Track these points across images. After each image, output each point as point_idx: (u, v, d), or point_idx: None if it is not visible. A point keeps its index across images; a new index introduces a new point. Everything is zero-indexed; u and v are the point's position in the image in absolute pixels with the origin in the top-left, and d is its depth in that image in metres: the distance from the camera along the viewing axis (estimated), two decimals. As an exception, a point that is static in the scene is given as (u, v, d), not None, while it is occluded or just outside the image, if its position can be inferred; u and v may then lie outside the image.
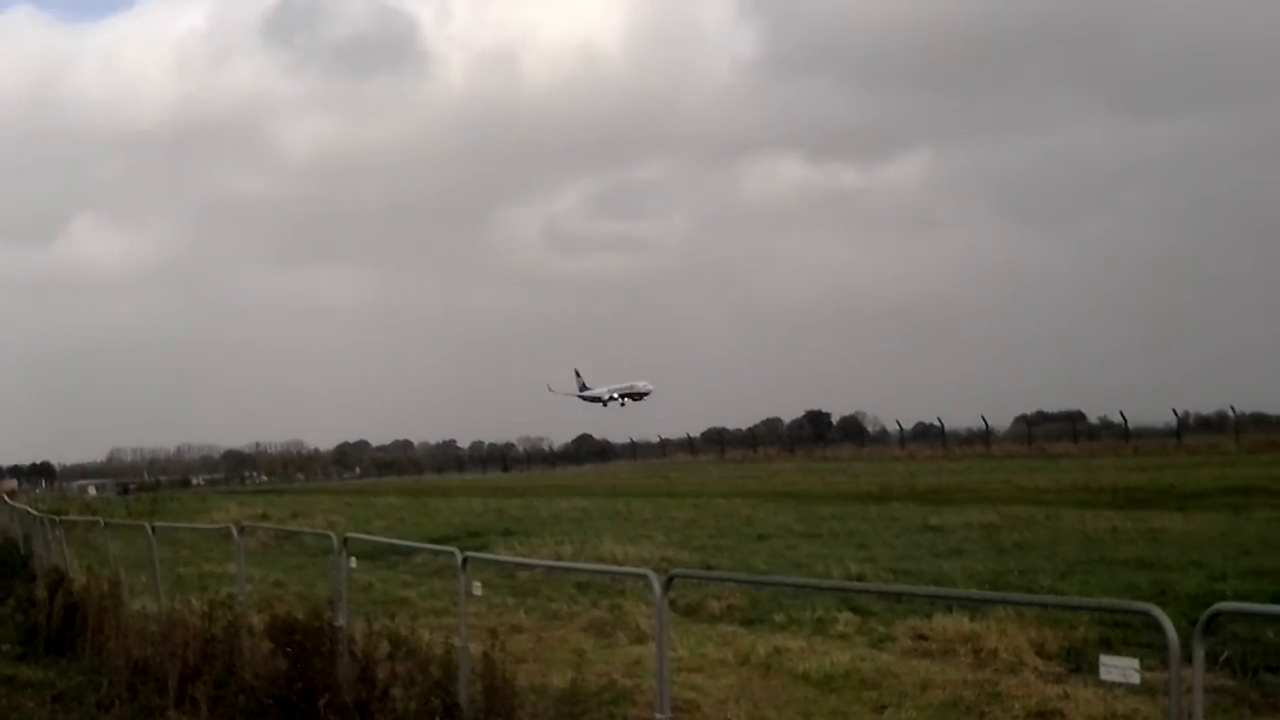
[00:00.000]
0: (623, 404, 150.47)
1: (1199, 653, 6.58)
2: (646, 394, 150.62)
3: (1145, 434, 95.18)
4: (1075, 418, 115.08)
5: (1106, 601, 15.84)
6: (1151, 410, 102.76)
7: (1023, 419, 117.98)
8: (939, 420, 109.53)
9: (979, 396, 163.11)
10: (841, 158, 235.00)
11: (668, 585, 9.94)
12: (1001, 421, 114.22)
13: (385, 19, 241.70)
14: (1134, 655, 9.36)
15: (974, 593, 17.37)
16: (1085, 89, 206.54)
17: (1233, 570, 19.68)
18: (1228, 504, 34.52)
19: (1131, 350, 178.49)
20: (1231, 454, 70.32)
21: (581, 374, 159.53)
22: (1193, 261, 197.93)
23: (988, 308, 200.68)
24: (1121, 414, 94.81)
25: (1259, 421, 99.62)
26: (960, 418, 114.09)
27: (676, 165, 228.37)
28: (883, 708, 12.64)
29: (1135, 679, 6.88)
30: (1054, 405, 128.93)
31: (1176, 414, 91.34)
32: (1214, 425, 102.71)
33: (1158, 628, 6.50)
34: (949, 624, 15.74)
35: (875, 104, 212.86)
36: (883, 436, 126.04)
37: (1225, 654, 13.38)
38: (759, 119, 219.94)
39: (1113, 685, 9.29)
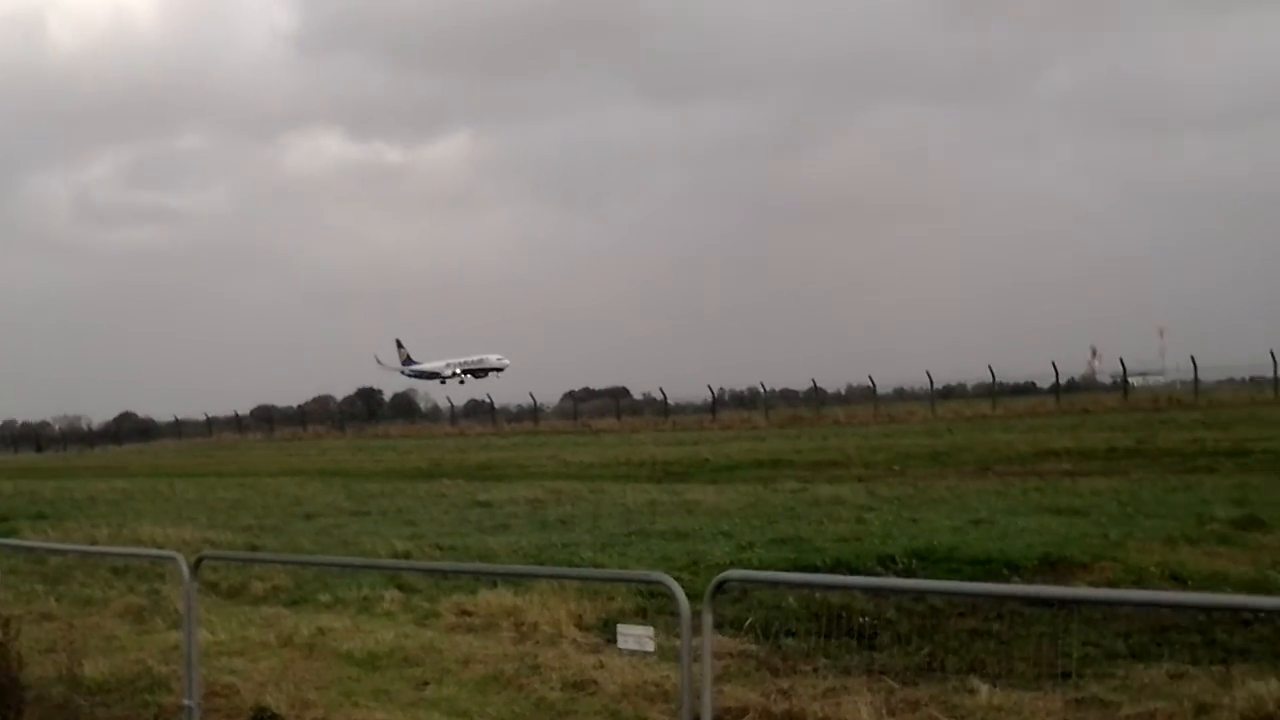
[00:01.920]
0: (462, 381, 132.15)
1: (708, 619, 6.97)
2: (501, 369, 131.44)
3: (684, 410, 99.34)
4: (619, 394, 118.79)
5: (624, 573, 16.50)
6: (690, 387, 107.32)
7: (570, 395, 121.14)
8: (489, 397, 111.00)
9: (529, 374, 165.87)
10: (384, 135, 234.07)
11: (196, 567, 9.69)
12: (550, 398, 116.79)
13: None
14: (669, 623, 9.83)
15: (487, 566, 17.96)
16: (616, 75, 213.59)
17: (759, 539, 20.79)
18: (757, 476, 36.49)
19: (670, 328, 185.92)
20: (762, 428, 74.21)
21: (405, 345, 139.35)
22: (723, 244, 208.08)
23: (532, 285, 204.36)
24: (661, 390, 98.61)
25: (787, 397, 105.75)
26: (510, 395, 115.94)
27: (217, 137, 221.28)
28: (425, 684, 12.74)
29: (650, 646, 7.23)
30: (600, 382, 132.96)
31: (712, 391, 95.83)
32: (746, 401, 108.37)
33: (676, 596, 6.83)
34: (493, 599, 15.98)
35: (414, 83, 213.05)
36: (435, 414, 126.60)
37: (750, 619, 14.15)
38: (300, 94, 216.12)
39: (644, 654, 9.68)
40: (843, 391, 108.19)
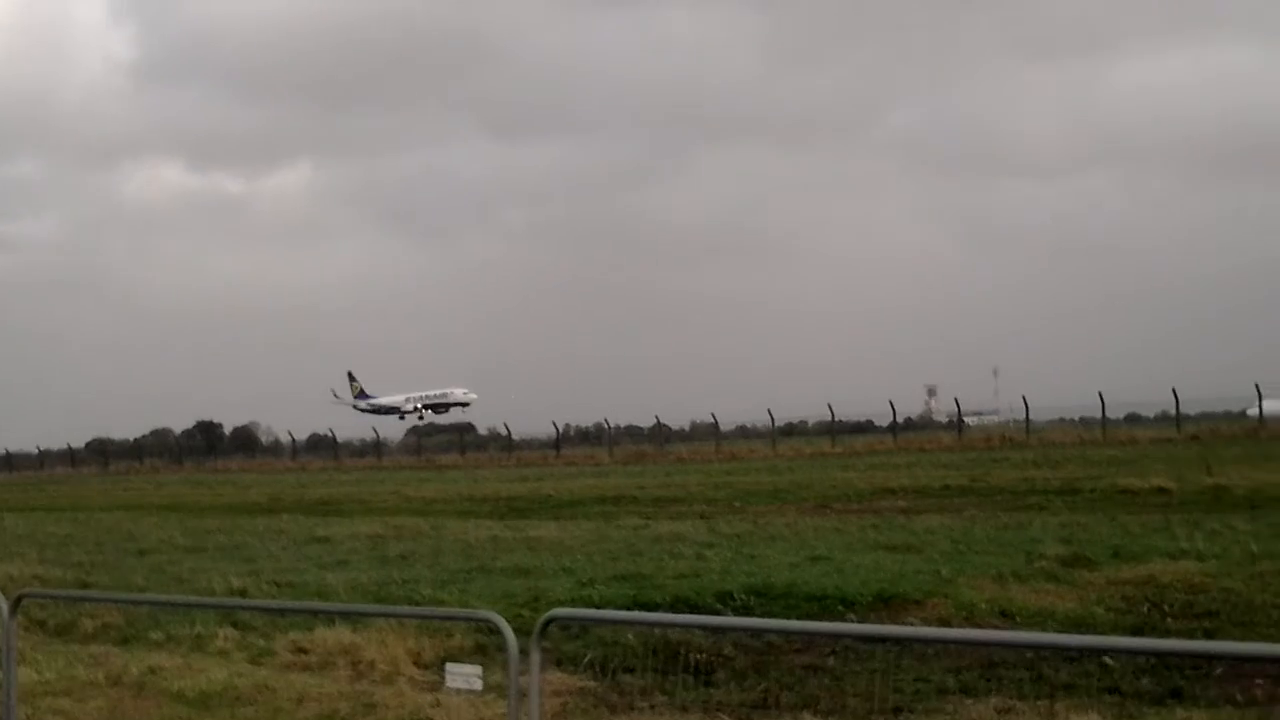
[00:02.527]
0: (421, 417, 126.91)
1: (535, 657, 7.01)
2: (467, 404, 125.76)
3: (529, 445, 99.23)
4: (464, 429, 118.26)
5: (454, 610, 16.41)
6: (535, 423, 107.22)
7: (414, 431, 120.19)
8: (330, 432, 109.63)
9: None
10: (224, 166, 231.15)
11: (16, 605, 9.46)
12: (393, 434, 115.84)
13: None
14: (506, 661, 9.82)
15: (314, 604, 17.81)
16: (460, 109, 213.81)
17: (601, 576, 20.83)
18: (600, 512, 36.54)
19: (516, 364, 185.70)
20: (606, 465, 74.41)
21: (357, 378, 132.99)
22: (568, 280, 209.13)
23: (375, 318, 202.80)
24: (506, 426, 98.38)
25: (631, 433, 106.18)
26: (354, 430, 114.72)
27: (52, 166, 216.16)
28: (258, 723, 12.56)
29: (478, 685, 7.25)
30: (445, 418, 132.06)
31: (556, 427, 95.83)
32: (591, 437, 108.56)
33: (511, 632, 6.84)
34: (329, 636, 15.79)
35: (254, 114, 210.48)
36: (276, 448, 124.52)
37: (588, 656, 14.20)
38: (139, 123, 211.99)
39: (475, 693, 9.66)
40: (686, 428, 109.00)
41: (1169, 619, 16.03)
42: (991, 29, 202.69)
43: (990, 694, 12.46)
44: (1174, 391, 71.85)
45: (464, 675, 7.27)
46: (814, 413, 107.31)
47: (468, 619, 14.48)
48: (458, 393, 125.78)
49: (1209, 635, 14.89)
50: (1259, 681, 12.48)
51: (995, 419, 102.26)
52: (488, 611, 7.43)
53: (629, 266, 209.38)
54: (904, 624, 15.43)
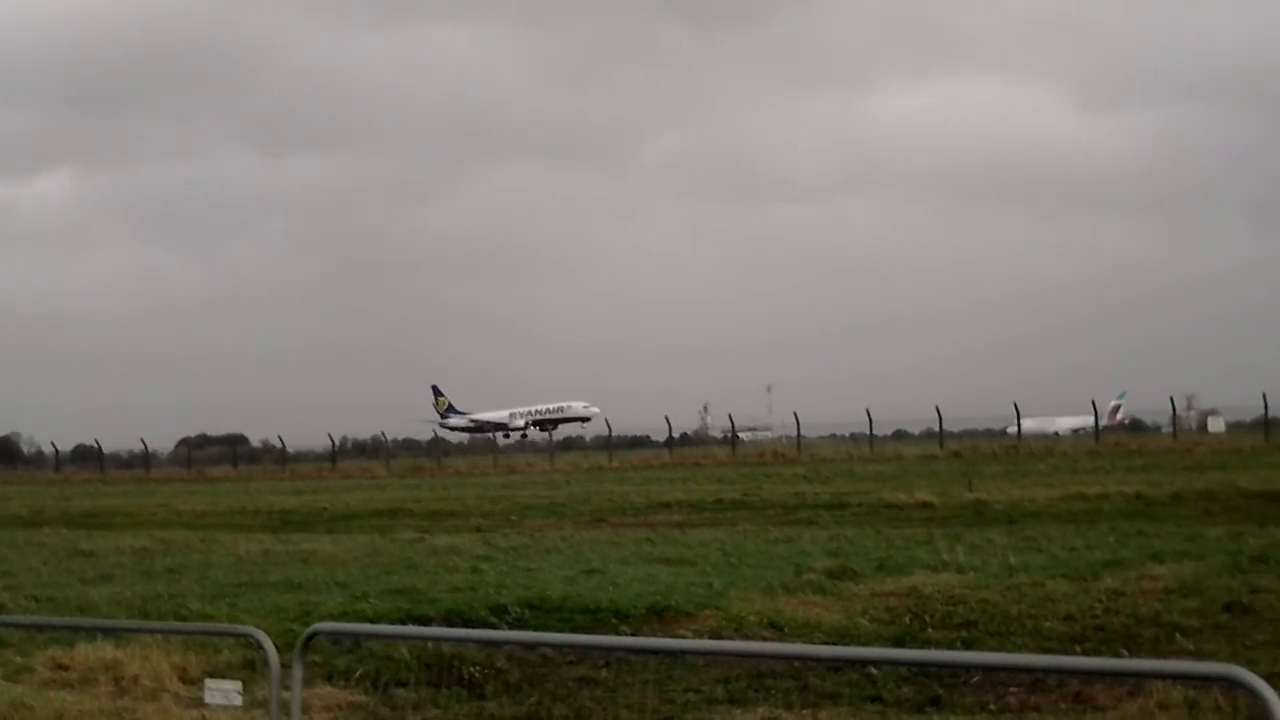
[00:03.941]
0: (524, 435, 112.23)
1: (297, 672, 6.96)
2: (588, 419, 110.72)
3: (304, 458, 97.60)
4: (237, 441, 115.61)
5: (214, 626, 16.10)
6: (311, 435, 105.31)
7: (185, 442, 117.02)
8: (96, 442, 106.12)
9: (141, 419, 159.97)
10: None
11: None
12: (164, 445, 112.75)
13: None
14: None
15: (72, 620, 17.34)
16: (224, 121, 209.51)
17: (374, 590, 20.63)
18: (375, 526, 36.17)
19: (290, 376, 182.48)
20: (382, 478, 73.69)
21: (444, 392, 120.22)
22: (341, 294, 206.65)
23: (142, 328, 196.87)
24: (280, 438, 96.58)
25: (409, 447, 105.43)
26: (122, 440, 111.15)
27: None
28: (13, 743, 12.15)
29: (238, 700, 7.17)
30: (216, 429, 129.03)
31: (332, 439, 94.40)
32: (368, 450, 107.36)
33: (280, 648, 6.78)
34: (91, 652, 15.32)
35: (9, 119, 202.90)
36: (39, 459, 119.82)
37: (360, 670, 14.08)
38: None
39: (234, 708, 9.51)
40: (465, 442, 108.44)
41: (930, 629, 16.59)
42: (756, 59, 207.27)
43: (758, 704, 12.75)
44: (938, 410, 74.24)
45: (223, 691, 7.18)
46: (591, 428, 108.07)
47: (229, 634, 14.21)
48: (576, 406, 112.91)
49: (967, 645, 15.47)
50: (1013, 690, 13.03)
51: (768, 435, 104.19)
52: (249, 627, 7.35)
53: (404, 280, 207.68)
54: (676, 636, 15.69)
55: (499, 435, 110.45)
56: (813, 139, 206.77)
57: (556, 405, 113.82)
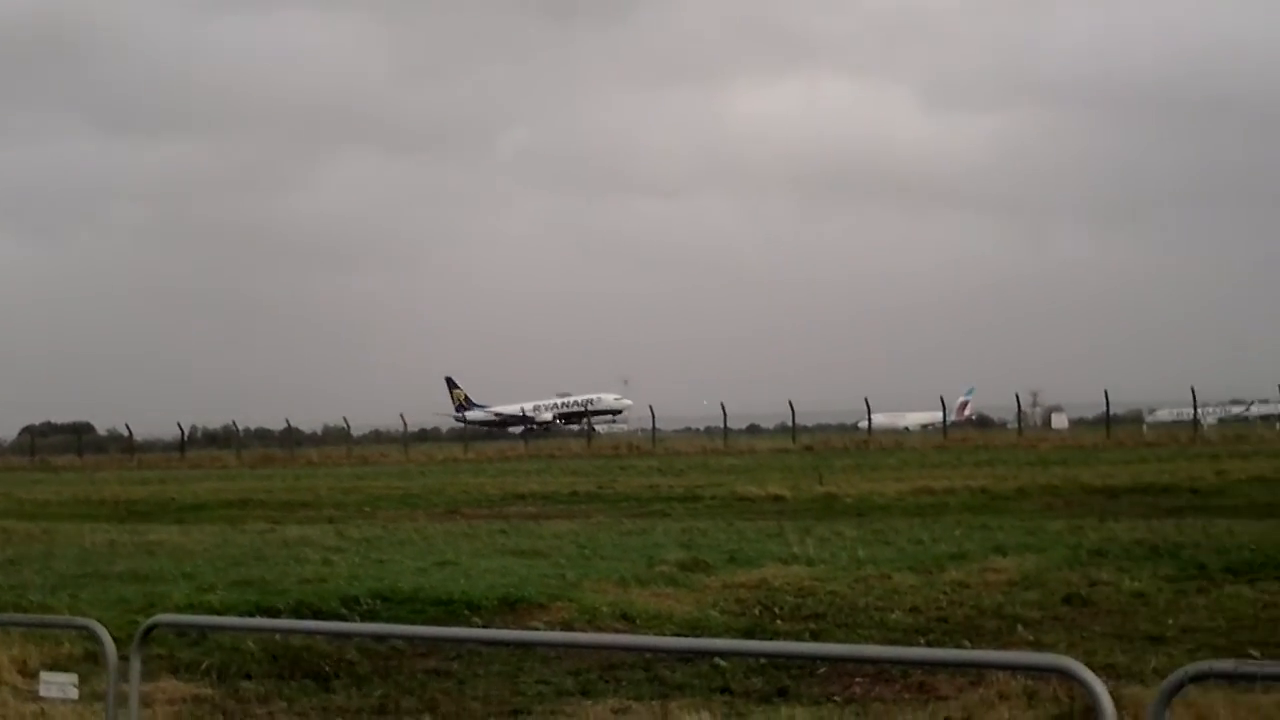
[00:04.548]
0: (548, 428, 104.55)
1: (135, 665, 6.87)
2: (619, 411, 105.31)
3: (152, 447, 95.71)
4: (83, 429, 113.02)
5: (50, 618, 15.75)
6: (160, 424, 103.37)
7: (28, 430, 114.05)
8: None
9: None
10: None
11: None
12: (6, 432, 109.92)
13: None
14: (122, 668, 9.51)
15: None
16: (69, 107, 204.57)
17: (222, 581, 20.33)
18: (225, 517, 35.66)
19: (138, 364, 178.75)
20: (233, 468, 72.58)
21: (459, 384, 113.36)
22: (191, 281, 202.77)
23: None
24: (128, 427, 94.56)
25: (261, 436, 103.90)
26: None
27: None
28: None
29: (73, 694, 7.07)
30: (61, 417, 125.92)
31: (181, 428, 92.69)
32: (219, 439, 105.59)
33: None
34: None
35: None
36: None
37: (206, 663, 13.90)
38: None
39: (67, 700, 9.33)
40: (319, 432, 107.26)
41: (779, 621, 16.81)
42: (614, 55, 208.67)
43: (608, 695, 12.82)
44: (791, 405, 75.11)
45: (59, 684, 7.06)
46: (447, 419, 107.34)
47: (67, 626, 13.95)
48: (608, 398, 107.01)
49: (815, 636, 15.71)
50: (859, 680, 13.27)
51: (624, 428, 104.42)
52: (86, 619, 7.23)
53: (259, 269, 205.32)
54: (528, 628, 15.69)
55: (519, 429, 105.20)
56: (671, 135, 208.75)
57: (585, 397, 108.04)
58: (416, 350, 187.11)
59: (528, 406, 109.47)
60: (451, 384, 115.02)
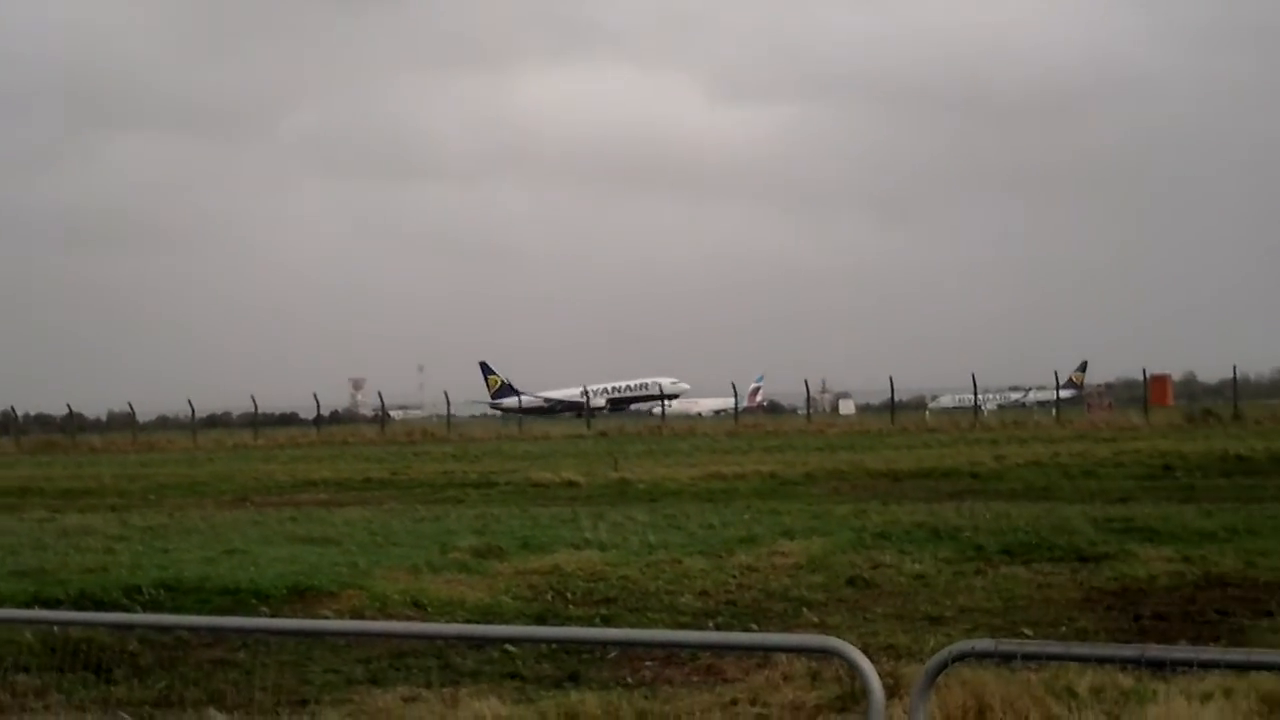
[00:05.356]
0: (586, 415, 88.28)
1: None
2: (675, 396, 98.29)
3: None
4: None
5: None
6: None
7: None
8: None
9: None
10: None
11: None
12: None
13: None
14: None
15: None
16: None
17: (0, 570, 19.74)
18: (3, 505, 34.45)
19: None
20: (12, 455, 70.20)
21: (495, 369, 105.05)
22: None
23: None
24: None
25: (42, 422, 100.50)
26: None
27: None
28: None
29: None
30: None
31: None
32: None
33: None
34: None
35: None
36: None
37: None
38: None
39: None
40: (103, 418, 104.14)
41: (571, 606, 16.96)
42: (402, 38, 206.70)
43: (398, 683, 12.79)
44: (585, 390, 75.48)
45: None
46: (237, 404, 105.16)
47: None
48: (665, 383, 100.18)
49: (606, 621, 15.90)
50: (648, 664, 13.47)
51: (420, 413, 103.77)
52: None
53: (36, 250, 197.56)
54: (317, 617, 15.53)
55: (569, 416, 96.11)
56: (459, 120, 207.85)
57: (640, 382, 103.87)
58: (207, 333, 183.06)
59: (573, 392, 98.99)
60: (486, 369, 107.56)
